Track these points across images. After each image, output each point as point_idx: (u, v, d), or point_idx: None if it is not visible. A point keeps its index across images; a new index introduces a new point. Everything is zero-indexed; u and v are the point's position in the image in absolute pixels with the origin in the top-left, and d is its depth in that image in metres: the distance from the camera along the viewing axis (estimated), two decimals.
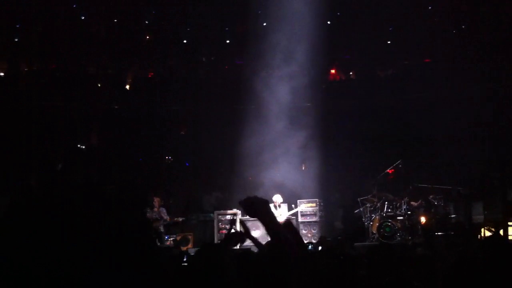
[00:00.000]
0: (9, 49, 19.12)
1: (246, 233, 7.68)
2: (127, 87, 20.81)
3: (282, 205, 14.33)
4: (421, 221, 13.52)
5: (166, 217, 14.51)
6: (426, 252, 8.39)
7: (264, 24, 18.59)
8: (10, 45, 19.17)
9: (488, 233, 12.62)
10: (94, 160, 19.59)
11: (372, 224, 14.10)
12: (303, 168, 16.81)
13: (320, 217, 14.96)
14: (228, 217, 15.03)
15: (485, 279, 3.77)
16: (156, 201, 14.48)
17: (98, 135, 20.58)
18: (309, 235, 14.57)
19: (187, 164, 20.96)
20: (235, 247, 11.97)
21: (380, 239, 13.33)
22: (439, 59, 20.09)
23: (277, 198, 14.18)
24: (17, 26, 19.49)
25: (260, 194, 15.20)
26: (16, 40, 19.45)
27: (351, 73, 21.14)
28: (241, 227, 9.27)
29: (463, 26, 19.90)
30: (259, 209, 2.91)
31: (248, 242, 13.33)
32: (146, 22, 21.12)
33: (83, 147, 20.20)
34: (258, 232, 14.74)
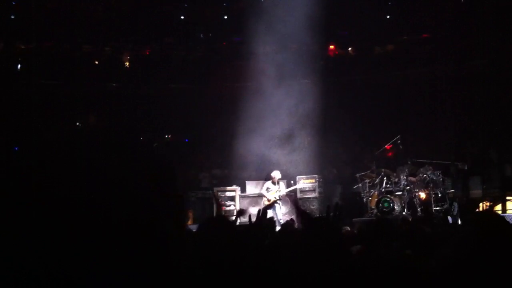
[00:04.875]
0: (5, 27, 18.95)
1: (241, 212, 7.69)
2: (126, 64, 20.68)
3: (280, 181, 14.35)
4: (421, 196, 13.55)
5: None
6: (424, 227, 8.44)
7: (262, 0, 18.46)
8: (5, 23, 18.99)
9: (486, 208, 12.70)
10: (91, 139, 19.49)
11: (371, 199, 14.16)
12: (303, 144, 16.82)
13: (319, 193, 15.01)
14: (228, 193, 15.09)
15: (480, 255, 3.77)
16: None
17: (95, 114, 20.54)
18: (308, 211, 14.64)
19: (186, 140, 20.95)
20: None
21: (379, 214, 13.41)
22: (438, 34, 19.96)
23: (276, 174, 14.20)
24: (13, 3, 19.30)
25: (259, 170, 15.24)
26: (12, 17, 19.27)
27: (349, 48, 21.01)
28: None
29: (462, 0, 19.74)
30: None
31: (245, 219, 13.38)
32: None
33: (78, 124, 20.18)
34: (257, 208, 14.87)
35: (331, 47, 20.81)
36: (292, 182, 15.02)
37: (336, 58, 20.93)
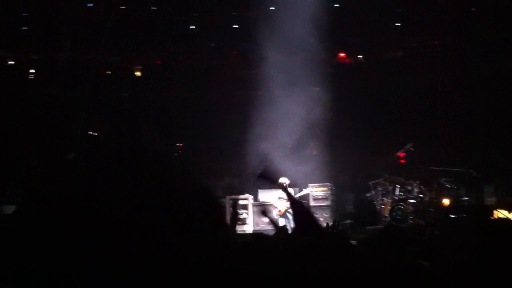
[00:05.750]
0: (17, 37, 19.09)
1: (264, 213, 7.72)
2: (136, 74, 20.80)
3: (290, 188, 14.31)
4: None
5: None
6: (438, 235, 8.44)
7: (271, 8, 18.53)
8: (17, 34, 19.14)
9: (500, 216, 12.67)
10: (103, 148, 19.58)
11: (384, 207, 14.15)
12: (313, 152, 16.83)
13: (332, 201, 14.98)
14: (240, 202, 15.05)
15: (493, 261, 3.82)
16: None
17: (107, 123, 20.62)
18: (321, 219, 14.63)
19: (201, 146, 20.93)
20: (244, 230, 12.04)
21: (392, 222, 13.40)
22: (447, 41, 19.98)
23: (283, 180, 14.17)
24: (24, 14, 19.44)
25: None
26: (24, 28, 19.41)
27: (359, 56, 21.07)
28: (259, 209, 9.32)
29: (472, 9, 19.75)
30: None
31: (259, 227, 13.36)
32: (153, 8, 21.02)
33: (95, 134, 20.26)
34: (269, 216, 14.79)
35: (341, 54, 20.86)
36: (303, 189, 14.99)
37: (346, 66, 20.98)
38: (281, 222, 13.80)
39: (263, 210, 10.39)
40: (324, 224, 14.20)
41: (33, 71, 19.31)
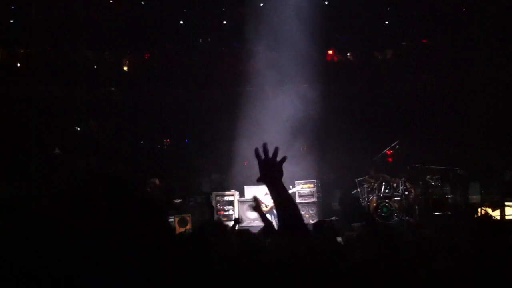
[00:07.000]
0: (5, 32, 18.96)
1: (257, 208, 7.61)
2: (125, 68, 20.71)
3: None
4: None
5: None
6: (428, 233, 8.43)
7: (261, 4, 18.52)
8: (5, 29, 19.01)
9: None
10: (92, 144, 19.57)
11: (370, 204, 14.16)
12: (302, 149, 16.83)
13: (318, 198, 15.00)
14: (226, 198, 15.06)
15: (479, 260, 3.79)
16: (154, 182, 14.48)
17: (95, 119, 20.54)
18: (307, 215, 14.63)
19: (186, 141, 20.93)
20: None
21: (378, 219, 13.42)
22: (437, 40, 20.01)
23: None
24: (13, 7, 19.31)
25: (258, 175, 15.29)
26: (12, 21, 19.28)
27: (348, 54, 21.06)
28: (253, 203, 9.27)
29: (463, 9, 19.75)
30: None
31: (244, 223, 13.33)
32: (142, 3, 20.94)
33: (78, 129, 20.17)
34: (256, 213, 14.81)
35: (330, 52, 20.86)
36: (290, 186, 15.00)
37: (335, 63, 20.97)
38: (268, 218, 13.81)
39: (255, 205, 10.15)
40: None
41: (20, 67, 19.18)
